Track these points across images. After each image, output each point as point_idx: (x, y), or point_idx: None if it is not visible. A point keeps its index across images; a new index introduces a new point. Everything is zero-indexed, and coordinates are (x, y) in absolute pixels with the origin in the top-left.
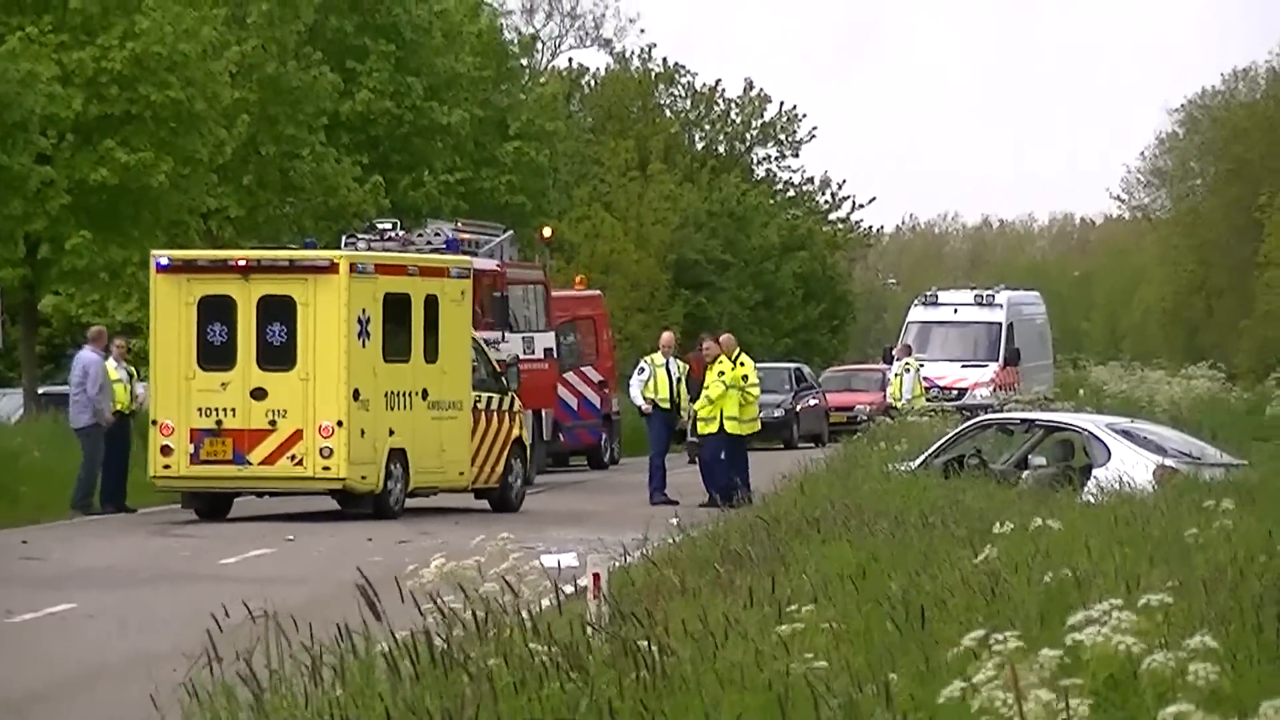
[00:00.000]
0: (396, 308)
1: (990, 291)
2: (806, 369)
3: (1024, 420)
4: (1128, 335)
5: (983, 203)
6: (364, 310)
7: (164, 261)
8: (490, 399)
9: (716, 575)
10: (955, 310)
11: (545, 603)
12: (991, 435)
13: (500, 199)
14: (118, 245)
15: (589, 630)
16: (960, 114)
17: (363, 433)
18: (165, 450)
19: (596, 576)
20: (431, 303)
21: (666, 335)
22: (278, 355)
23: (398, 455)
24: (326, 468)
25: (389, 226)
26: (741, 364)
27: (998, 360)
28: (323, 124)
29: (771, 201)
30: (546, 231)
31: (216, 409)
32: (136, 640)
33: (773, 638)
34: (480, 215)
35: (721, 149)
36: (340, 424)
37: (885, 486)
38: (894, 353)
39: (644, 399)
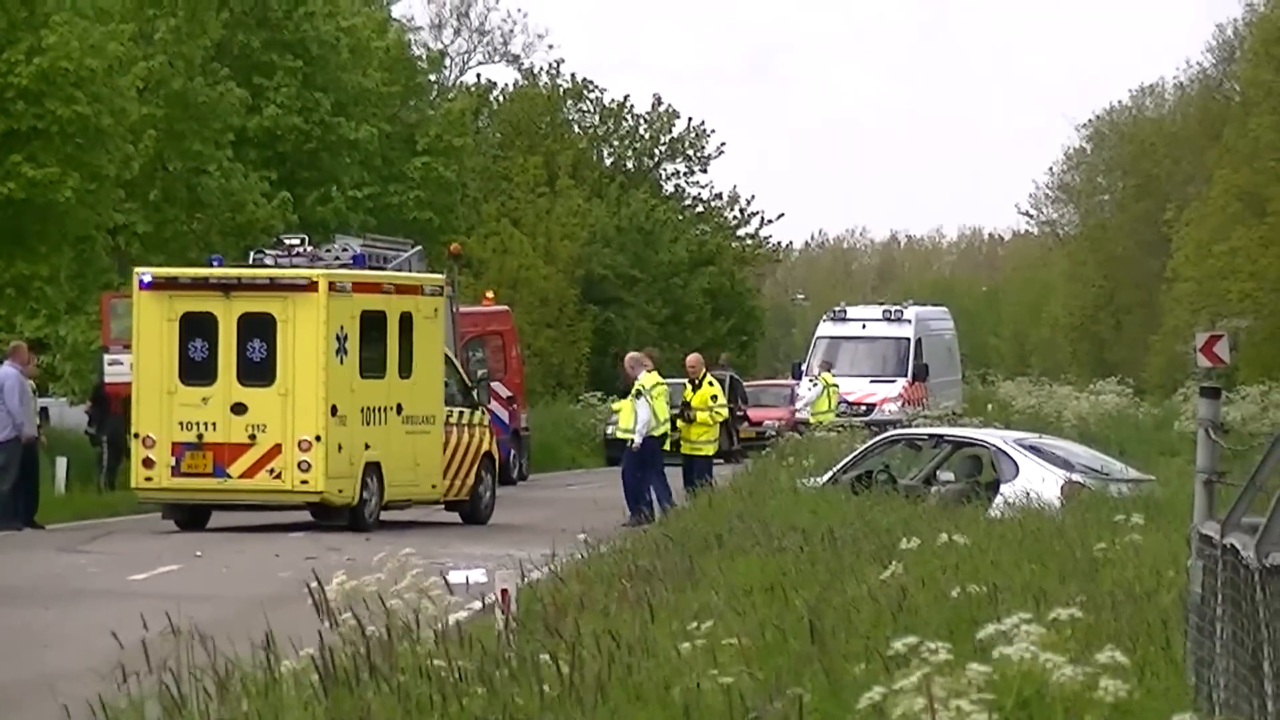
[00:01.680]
0: (373, 325)
1: (898, 307)
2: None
3: (932, 435)
4: (1036, 350)
5: (891, 218)
6: (342, 327)
7: (147, 279)
8: (461, 414)
9: (624, 590)
10: (864, 325)
11: (453, 619)
12: (900, 451)
13: (408, 214)
14: (24, 261)
15: (498, 645)
16: (868, 129)
17: (340, 447)
18: (147, 463)
19: (505, 592)
20: (406, 320)
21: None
22: (258, 371)
23: (373, 469)
24: (305, 481)
25: (297, 242)
26: (710, 384)
27: (906, 375)
28: (230, 140)
29: (680, 217)
30: (455, 247)
31: (198, 423)
32: (44, 658)
33: (681, 653)
34: (388, 231)
35: (630, 164)
36: (318, 438)
37: (793, 502)
38: (804, 368)
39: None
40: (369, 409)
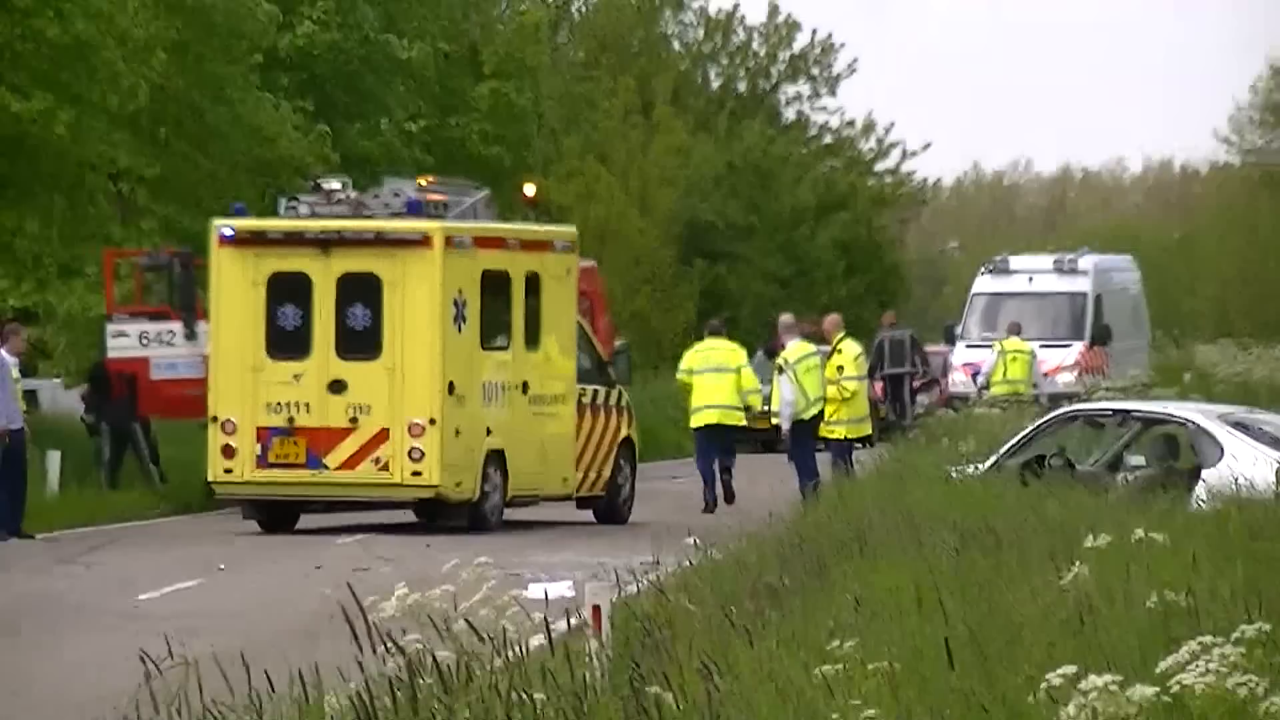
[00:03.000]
0: (495, 287)
1: (1072, 257)
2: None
3: (1117, 411)
4: (1241, 308)
5: (1062, 149)
6: (460, 290)
7: (228, 232)
8: (596, 393)
9: (743, 606)
10: (1030, 279)
11: (534, 642)
12: (1077, 430)
13: (473, 150)
14: (7, 212)
15: (587, 674)
16: (1033, 41)
17: (458, 432)
18: (227, 451)
19: (597, 610)
20: (533, 281)
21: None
22: (360, 342)
23: (496, 458)
24: (417, 473)
25: (337, 186)
26: (840, 351)
27: (1083, 339)
28: (257, 62)
29: (804, 151)
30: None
31: (288, 404)
32: (31, 698)
33: (813, 681)
34: (449, 170)
35: (742, 88)
36: (433, 422)
37: (947, 494)
38: (957, 331)
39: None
40: (491, 387)
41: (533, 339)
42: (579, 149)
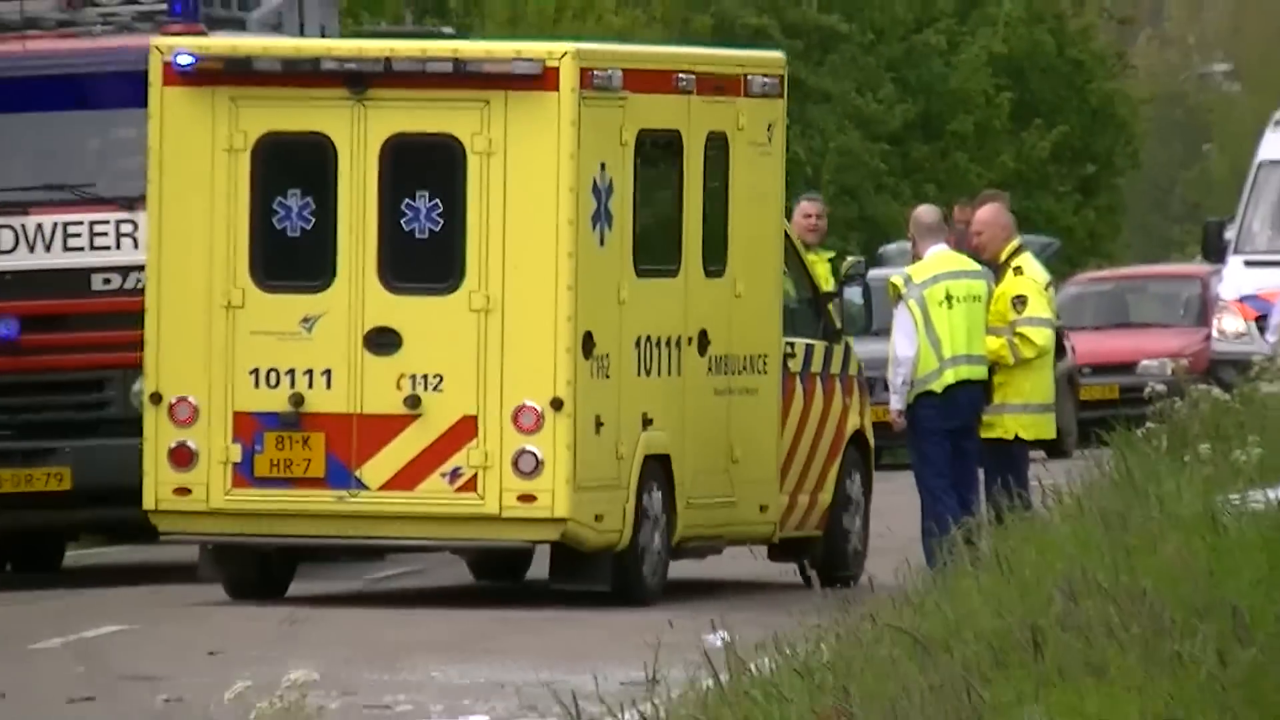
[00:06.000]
0: (658, 162)
1: None
2: None
3: None
4: None
5: None
6: (602, 167)
7: (184, 61)
8: (810, 351)
9: None
10: None
11: None
12: None
13: None
14: None
15: None
16: None
17: (599, 424)
18: (180, 456)
19: None
20: (717, 150)
21: (988, 209)
22: (424, 261)
23: (657, 469)
24: (528, 497)
25: None
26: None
27: None
28: None
29: None
30: None
31: (292, 373)
32: None
33: None
34: None
35: None
36: (557, 405)
37: (1215, 554)
38: (1230, 234)
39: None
40: (650, 343)
41: (716, 256)
42: None
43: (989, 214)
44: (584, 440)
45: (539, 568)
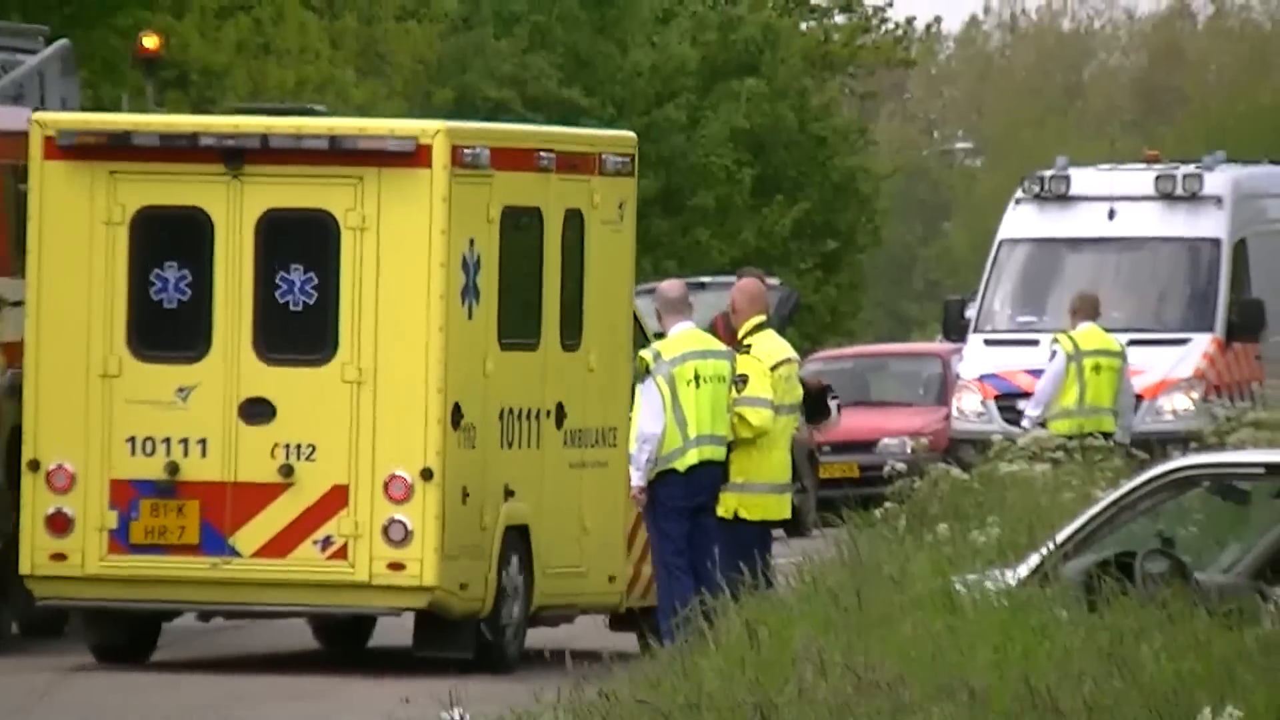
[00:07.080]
0: (520, 237)
1: (1192, 169)
2: None
3: (1271, 469)
4: None
5: None
6: (471, 242)
7: (65, 138)
8: None
9: None
10: (1111, 213)
11: None
12: (1196, 504)
13: None
14: None
15: None
16: None
17: (465, 494)
18: (57, 523)
19: None
20: (574, 227)
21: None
22: (298, 333)
23: (517, 539)
24: (398, 565)
25: None
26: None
27: (1212, 328)
28: None
29: None
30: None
31: (168, 441)
32: None
33: None
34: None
35: None
36: (428, 475)
37: (952, 632)
38: (970, 311)
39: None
40: (513, 414)
41: (572, 330)
42: None
43: (741, 285)
44: (452, 510)
45: (385, 634)
